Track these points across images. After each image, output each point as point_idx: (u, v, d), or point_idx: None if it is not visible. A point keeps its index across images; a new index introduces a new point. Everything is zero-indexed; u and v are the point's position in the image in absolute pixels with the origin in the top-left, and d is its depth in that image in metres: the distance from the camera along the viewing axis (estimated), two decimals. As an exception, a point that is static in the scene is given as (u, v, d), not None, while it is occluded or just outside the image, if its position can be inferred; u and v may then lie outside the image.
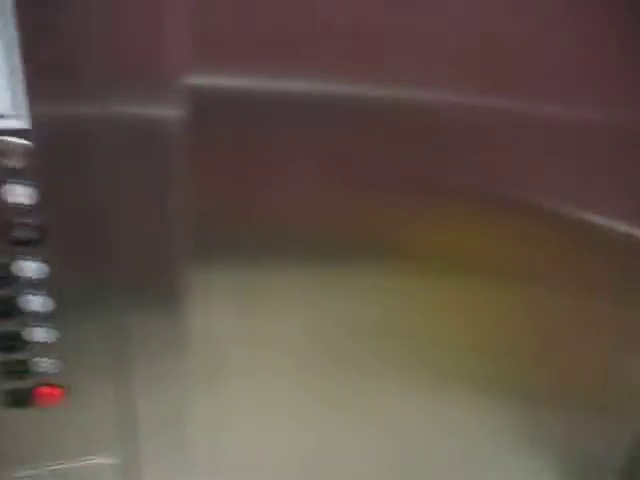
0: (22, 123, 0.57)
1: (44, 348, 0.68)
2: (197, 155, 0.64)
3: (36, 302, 0.65)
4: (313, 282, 0.75)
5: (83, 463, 0.78)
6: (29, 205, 0.61)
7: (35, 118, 0.57)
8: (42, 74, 0.56)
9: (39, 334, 0.67)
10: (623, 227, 0.77)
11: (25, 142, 0.58)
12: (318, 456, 0.90)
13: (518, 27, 0.64)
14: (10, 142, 0.58)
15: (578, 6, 0.64)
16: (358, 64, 0.63)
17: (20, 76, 0.55)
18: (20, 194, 0.60)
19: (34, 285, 0.65)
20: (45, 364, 0.69)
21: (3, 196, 0.60)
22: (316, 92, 0.64)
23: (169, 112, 0.61)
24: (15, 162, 0.59)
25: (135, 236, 0.66)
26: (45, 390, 0.70)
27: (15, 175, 0.59)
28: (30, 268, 0.63)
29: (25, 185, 0.60)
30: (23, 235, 0.62)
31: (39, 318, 0.66)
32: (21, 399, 0.70)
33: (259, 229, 0.70)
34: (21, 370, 0.69)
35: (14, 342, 0.67)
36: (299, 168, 0.68)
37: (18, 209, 0.61)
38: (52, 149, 0.59)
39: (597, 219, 0.76)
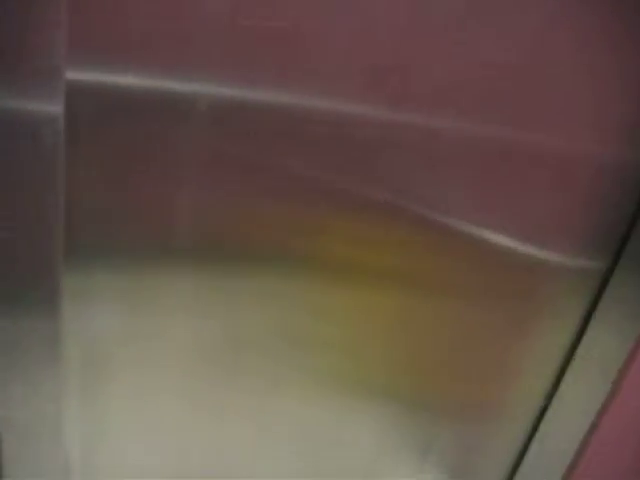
0: None
1: None
2: (74, 153, 0.61)
3: None
4: (199, 286, 0.74)
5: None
6: None
7: None
8: None
9: None
10: (514, 243, 0.80)
11: None
12: (200, 463, 0.89)
13: (419, 41, 0.65)
14: None
15: (470, 25, 0.65)
16: (252, 66, 0.63)
17: None
18: None
19: None
20: None
21: None
22: (211, 93, 0.63)
23: (47, 108, 0.57)
24: None
25: (8, 237, 0.62)
26: None
27: None
28: None
29: None
30: None
31: None
32: None
33: (139, 231, 0.69)
34: None
35: None
36: (183, 169, 0.66)
37: None
38: None
39: (496, 237, 0.79)
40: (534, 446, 0.95)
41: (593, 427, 0.87)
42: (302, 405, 0.87)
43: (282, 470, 0.93)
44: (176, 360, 0.79)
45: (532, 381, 0.92)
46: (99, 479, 0.84)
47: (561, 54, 0.68)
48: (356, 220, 0.74)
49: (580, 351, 0.86)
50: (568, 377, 0.89)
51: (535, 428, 0.94)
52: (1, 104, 0.56)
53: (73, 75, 0.58)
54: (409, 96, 0.68)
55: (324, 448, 0.92)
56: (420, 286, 0.81)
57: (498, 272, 0.82)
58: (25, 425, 0.74)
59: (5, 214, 0.61)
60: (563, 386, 0.90)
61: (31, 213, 0.61)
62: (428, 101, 0.69)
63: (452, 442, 0.96)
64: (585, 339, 0.86)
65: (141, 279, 0.72)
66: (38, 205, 0.61)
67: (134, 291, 0.73)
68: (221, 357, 0.81)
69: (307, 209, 0.72)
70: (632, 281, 0.79)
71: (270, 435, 0.89)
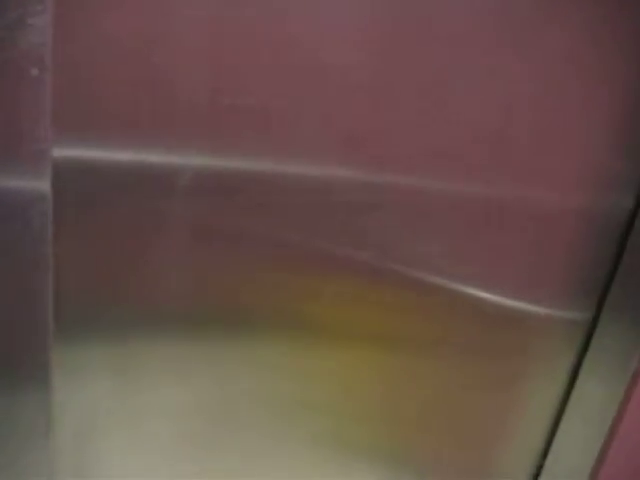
0: None
1: None
2: (61, 229, 0.62)
3: None
4: (188, 355, 0.74)
5: None
6: None
7: None
8: None
9: None
10: (499, 299, 0.81)
11: None
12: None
13: (393, 105, 0.67)
14: None
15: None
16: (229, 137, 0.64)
17: None
18: None
19: None
20: None
21: None
22: (195, 165, 0.64)
23: (34, 187, 0.58)
24: None
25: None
26: None
27: None
28: None
29: None
30: None
31: None
32: None
33: (128, 303, 0.69)
34: None
35: None
36: (170, 241, 0.67)
37: None
38: None
39: (480, 293, 0.80)
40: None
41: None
42: (295, 469, 0.86)
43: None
44: (168, 429, 0.78)
45: (525, 438, 0.91)
46: None
47: (536, 111, 0.71)
48: (344, 283, 0.75)
49: (571, 404, 0.86)
50: (561, 432, 0.88)
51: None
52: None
53: (59, 153, 0.59)
54: (388, 159, 0.70)
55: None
56: (408, 346, 0.81)
57: (485, 329, 0.82)
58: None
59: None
60: (557, 442, 0.89)
61: (20, 293, 0.61)
62: (407, 162, 0.70)
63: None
64: (575, 392, 0.86)
65: (131, 351, 0.72)
66: (27, 284, 0.60)
67: (125, 363, 0.73)
68: (212, 426, 0.80)
69: (294, 275, 0.73)
70: (616, 330, 0.80)
71: None
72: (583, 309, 0.82)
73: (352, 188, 0.70)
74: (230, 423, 0.80)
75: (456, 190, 0.73)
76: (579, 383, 0.85)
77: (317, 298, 0.75)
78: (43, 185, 0.57)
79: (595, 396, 0.83)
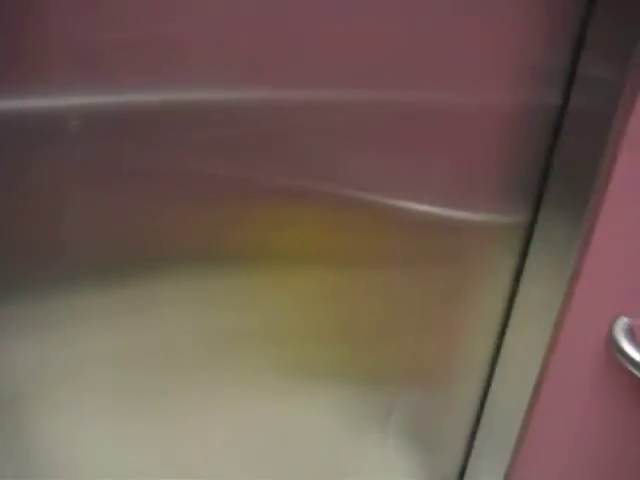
0: None
1: None
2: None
3: None
4: (116, 299, 0.71)
5: None
6: None
7: None
8: None
9: None
10: (426, 207, 0.78)
11: None
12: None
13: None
14: None
15: None
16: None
17: None
18: None
19: None
20: None
21: None
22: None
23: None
24: None
25: None
26: None
27: None
28: None
29: None
30: None
31: None
32: None
33: (42, 258, 0.65)
34: None
35: None
36: (73, 187, 0.63)
37: None
38: None
39: (414, 205, 0.77)
40: (487, 407, 0.96)
41: (539, 382, 0.87)
42: (255, 400, 0.86)
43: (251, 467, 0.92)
44: (108, 380, 0.76)
45: (475, 345, 0.91)
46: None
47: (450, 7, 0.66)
48: (277, 208, 0.72)
49: (516, 309, 0.86)
50: (508, 337, 0.89)
51: (485, 391, 0.95)
52: None
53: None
54: (299, 76, 0.65)
55: (286, 436, 0.91)
56: (350, 265, 0.79)
57: (421, 241, 0.80)
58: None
59: None
60: (504, 348, 0.90)
61: None
62: (319, 76, 0.66)
63: (409, 412, 0.96)
64: (519, 296, 0.85)
65: (55, 304, 0.69)
66: None
67: (50, 317, 0.69)
68: (159, 370, 0.78)
69: (223, 206, 0.70)
70: (554, 230, 0.78)
71: (234, 432, 0.87)
72: (519, 212, 0.80)
73: (270, 111, 0.66)
74: (175, 364, 0.78)
75: (375, 100, 0.69)
76: (522, 287, 0.85)
77: (250, 226, 0.72)
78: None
79: (538, 298, 0.83)
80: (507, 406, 0.93)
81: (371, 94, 0.68)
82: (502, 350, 0.92)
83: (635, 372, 0.73)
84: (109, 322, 0.72)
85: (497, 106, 0.73)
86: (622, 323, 0.76)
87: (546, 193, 0.78)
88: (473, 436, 1.01)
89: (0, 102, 0.57)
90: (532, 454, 0.93)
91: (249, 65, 0.63)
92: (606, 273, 0.76)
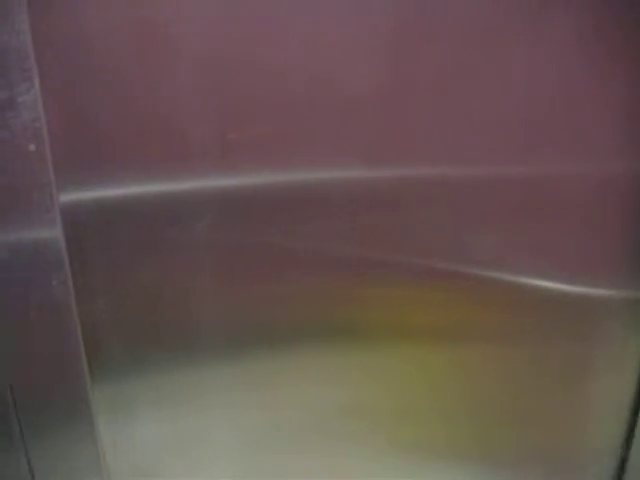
0: None
1: None
2: (83, 272, 0.62)
3: None
4: (235, 378, 0.73)
5: None
6: None
7: None
8: None
9: None
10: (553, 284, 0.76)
11: None
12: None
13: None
14: None
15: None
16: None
17: None
18: None
19: None
20: None
21: None
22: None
23: (46, 233, 0.58)
24: None
25: (30, 359, 0.63)
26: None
27: None
28: None
29: None
30: None
31: None
32: None
33: (166, 338, 0.68)
34: None
35: None
36: (193, 268, 0.66)
37: None
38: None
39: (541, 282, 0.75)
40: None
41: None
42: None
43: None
44: (225, 458, 0.78)
45: (606, 428, 0.85)
46: None
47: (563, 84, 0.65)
48: (394, 287, 0.72)
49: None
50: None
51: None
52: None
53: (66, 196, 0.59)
54: (411, 154, 0.66)
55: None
56: (476, 343, 0.78)
57: (550, 318, 0.77)
58: None
59: (29, 337, 0.62)
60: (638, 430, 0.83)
61: (52, 333, 0.61)
62: (435, 155, 0.66)
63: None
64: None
65: (179, 382, 0.72)
66: (54, 333, 0.61)
67: (171, 396, 0.72)
68: (273, 447, 0.79)
69: (349, 285, 0.71)
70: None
71: None
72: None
73: (377, 188, 0.67)
74: (293, 445, 0.79)
75: (494, 174, 0.68)
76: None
77: (362, 305, 0.72)
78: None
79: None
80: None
81: (491, 169, 0.68)
82: (637, 430, 0.85)
83: None
84: (235, 396, 0.74)
85: (616, 177, 0.70)
86: None
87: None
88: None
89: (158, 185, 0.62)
90: None
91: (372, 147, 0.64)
92: None
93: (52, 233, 0.56)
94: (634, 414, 0.83)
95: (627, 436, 0.86)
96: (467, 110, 0.65)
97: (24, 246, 0.55)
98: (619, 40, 0.64)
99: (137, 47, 0.56)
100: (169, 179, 0.61)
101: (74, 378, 0.64)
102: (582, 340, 0.79)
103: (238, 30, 0.57)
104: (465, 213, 0.70)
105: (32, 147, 0.51)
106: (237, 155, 0.62)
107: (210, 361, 0.72)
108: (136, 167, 0.60)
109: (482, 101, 0.65)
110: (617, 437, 0.87)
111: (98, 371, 0.67)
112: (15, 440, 0.64)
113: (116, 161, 0.59)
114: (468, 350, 0.77)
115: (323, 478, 0.82)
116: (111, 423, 0.71)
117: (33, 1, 0.48)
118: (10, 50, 0.47)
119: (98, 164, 0.59)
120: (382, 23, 0.60)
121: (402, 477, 0.85)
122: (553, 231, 0.72)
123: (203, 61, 0.58)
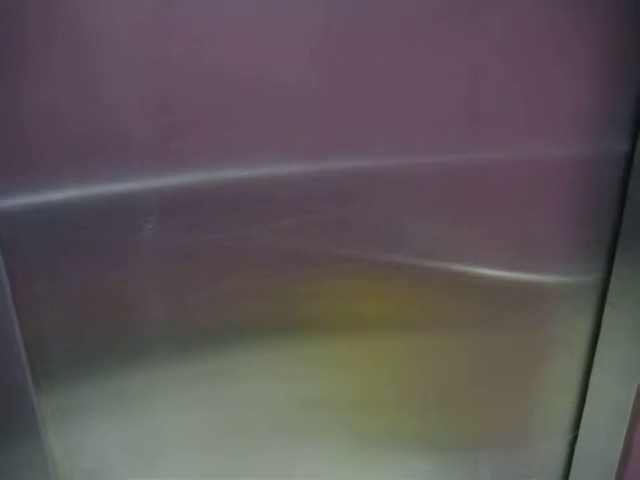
0: None
1: None
2: (22, 278, 0.60)
3: None
4: (187, 377, 0.73)
5: None
6: None
7: None
8: None
9: None
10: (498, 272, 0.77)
11: None
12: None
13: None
14: None
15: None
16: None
17: None
18: None
19: None
20: None
21: None
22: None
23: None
24: None
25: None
26: None
27: None
28: None
29: None
30: None
31: None
32: None
33: (114, 338, 0.67)
34: None
35: None
36: (139, 266, 0.65)
37: None
38: None
39: (487, 270, 0.76)
40: (573, 473, 0.91)
41: (627, 443, 0.82)
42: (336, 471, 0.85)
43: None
44: (179, 460, 0.77)
45: (556, 407, 0.88)
46: None
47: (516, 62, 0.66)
48: (352, 277, 0.72)
49: (595, 370, 0.82)
50: (589, 399, 0.85)
51: (570, 459, 0.90)
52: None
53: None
54: (369, 149, 0.66)
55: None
56: (428, 332, 0.78)
57: (498, 305, 0.78)
58: None
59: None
60: (587, 410, 0.85)
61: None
62: (376, 148, 0.66)
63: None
64: (598, 356, 0.81)
65: (129, 383, 0.71)
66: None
67: (124, 396, 0.71)
68: (228, 444, 0.78)
69: (302, 278, 0.71)
70: (629, 286, 0.75)
71: None
72: (592, 271, 0.77)
73: (337, 181, 0.67)
74: (255, 436, 0.79)
75: (440, 162, 0.69)
76: (600, 347, 0.81)
77: (326, 297, 0.73)
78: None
79: (618, 358, 0.79)
80: (594, 473, 0.88)
81: (432, 159, 0.68)
82: (585, 412, 0.87)
83: None
84: (188, 397, 0.74)
85: (565, 161, 0.71)
86: None
87: (618, 250, 0.75)
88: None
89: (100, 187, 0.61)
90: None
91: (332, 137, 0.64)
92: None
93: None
94: (582, 396, 0.86)
95: (575, 418, 0.89)
96: (409, 102, 0.65)
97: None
98: (556, 28, 0.65)
99: (71, 48, 0.54)
100: (107, 182, 0.60)
101: (17, 387, 0.62)
102: (527, 325, 0.81)
103: (172, 30, 0.56)
104: (408, 204, 0.70)
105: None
106: (179, 155, 0.61)
107: (159, 363, 0.71)
108: (74, 170, 0.59)
109: (423, 92, 0.65)
110: (565, 419, 0.89)
111: (44, 378, 0.65)
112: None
113: (50, 165, 0.58)
114: (416, 339, 0.78)
115: (281, 475, 0.82)
116: (60, 430, 0.69)
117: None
118: None
119: (32, 169, 0.58)
120: (321, 16, 0.59)
121: (361, 466, 0.86)
122: (494, 219, 0.73)
123: (139, 59, 0.57)
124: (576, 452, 0.90)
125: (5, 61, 0.53)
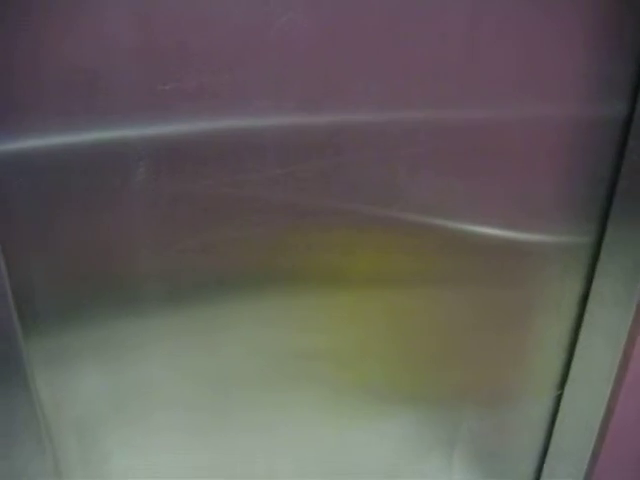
0: None
1: None
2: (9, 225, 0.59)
3: None
4: (173, 327, 0.72)
5: None
6: None
7: None
8: None
9: None
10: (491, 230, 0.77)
11: None
12: None
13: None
14: None
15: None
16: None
17: None
18: None
19: None
20: None
21: None
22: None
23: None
24: None
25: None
26: None
27: None
28: None
29: None
30: None
31: None
32: None
33: (102, 287, 0.67)
34: None
35: None
36: (130, 214, 0.64)
37: None
38: None
39: (479, 228, 0.76)
40: (557, 431, 0.93)
41: (611, 403, 0.84)
42: (323, 420, 0.85)
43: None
44: (170, 409, 0.77)
45: (543, 366, 0.89)
46: None
47: (513, 21, 0.64)
48: (345, 233, 0.72)
49: (584, 331, 0.83)
50: (577, 358, 0.85)
51: (554, 416, 0.91)
52: None
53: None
54: (363, 100, 0.65)
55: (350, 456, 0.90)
56: (417, 287, 0.78)
57: (489, 262, 0.78)
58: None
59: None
60: (574, 368, 0.86)
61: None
62: (371, 101, 0.65)
63: (476, 435, 0.94)
64: (587, 317, 0.82)
65: (117, 332, 0.70)
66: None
67: (112, 346, 0.71)
68: (222, 392, 0.78)
69: (292, 231, 0.70)
70: (621, 249, 0.75)
71: (297, 453, 0.87)
72: (585, 233, 0.77)
73: (335, 136, 0.66)
74: (241, 385, 0.79)
75: (434, 118, 0.68)
76: (589, 307, 0.81)
77: (318, 248, 0.72)
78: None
79: (606, 318, 0.79)
80: (577, 430, 0.90)
81: (428, 115, 0.67)
82: (571, 371, 0.88)
83: None
84: (177, 344, 0.74)
85: (562, 121, 0.71)
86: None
87: (612, 212, 0.74)
88: (542, 460, 0.97)
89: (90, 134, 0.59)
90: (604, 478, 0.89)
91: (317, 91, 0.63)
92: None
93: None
94: (569, 355, 0.87)
95: (562, 376, 0.90)
96: (402, 55, 0.64)
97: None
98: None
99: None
100: (97, 127, 0.59)
101: (3, 330, 0.61)
102: (519, 283, 0.81)
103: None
104: (401, 157, 0.69)
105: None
106: (170, 100, 0.60)
107: (149, 309, 0.70)
108: (65, 117, 0.57)
109: (417, 46, 0.64)
110: (552, 377, 0.90)
111: (32, 323, 0.65)
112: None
113: (39, 110, 0.56)
114: (406, 293, 0.78)
115: (269, 425, 0.83)
116: (48, 375, 0.69)
117: None
118: None
119: (19, 114, 0.56)
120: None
121: (341, 420, 0.86)
122: (489, 176, 0.73)
123: (131, 9, 0.55)
124: (561, 409, 0.91)
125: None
